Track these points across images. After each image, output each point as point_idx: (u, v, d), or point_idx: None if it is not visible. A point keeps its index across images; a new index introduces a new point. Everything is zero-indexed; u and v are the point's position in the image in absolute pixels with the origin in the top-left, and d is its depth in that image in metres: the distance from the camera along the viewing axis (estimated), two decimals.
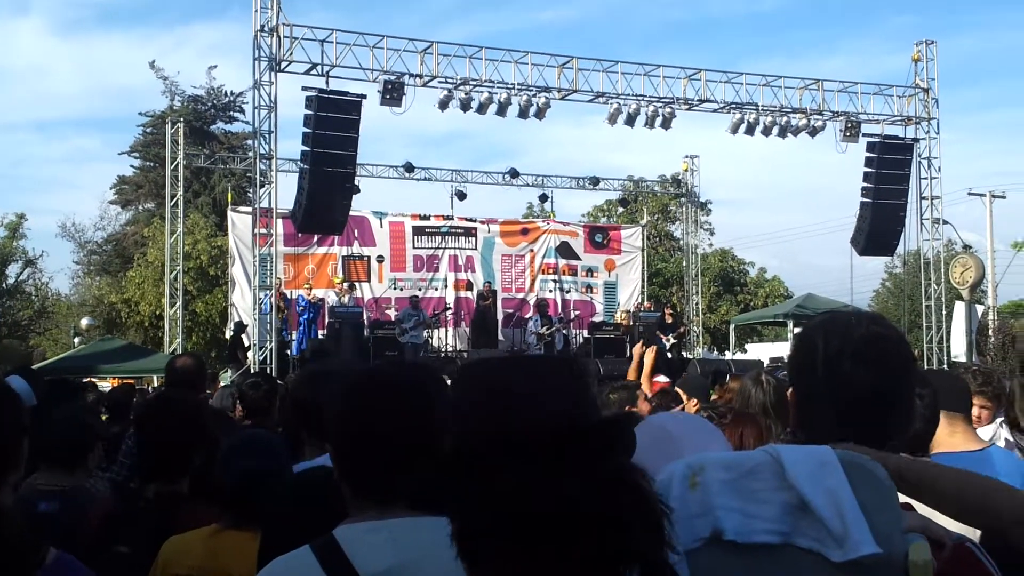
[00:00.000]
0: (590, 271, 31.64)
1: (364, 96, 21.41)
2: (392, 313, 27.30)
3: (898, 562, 1.77)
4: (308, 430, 4.12)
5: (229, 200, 31.28)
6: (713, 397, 9.13)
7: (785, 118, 25.22)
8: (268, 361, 21.04)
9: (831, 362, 2.29)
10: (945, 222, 27.53)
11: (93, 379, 23.58)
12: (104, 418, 9.51)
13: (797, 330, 28.49)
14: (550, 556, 1.43)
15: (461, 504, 1.53)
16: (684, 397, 8.58)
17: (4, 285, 44.25)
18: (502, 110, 23.15)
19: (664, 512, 1.49)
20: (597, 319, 29.51)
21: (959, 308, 26.98)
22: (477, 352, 25.29)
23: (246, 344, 22.73)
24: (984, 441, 4.44)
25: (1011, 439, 5.54)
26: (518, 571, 1.46)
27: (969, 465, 2.97)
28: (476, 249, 29.92)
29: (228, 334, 27.15)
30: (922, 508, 2.06)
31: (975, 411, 5.10)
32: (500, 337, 28.06)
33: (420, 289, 28.57)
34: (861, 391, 2.26)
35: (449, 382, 2.07)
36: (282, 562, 2.24)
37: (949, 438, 4.12)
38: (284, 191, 22.00)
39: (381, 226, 28.77)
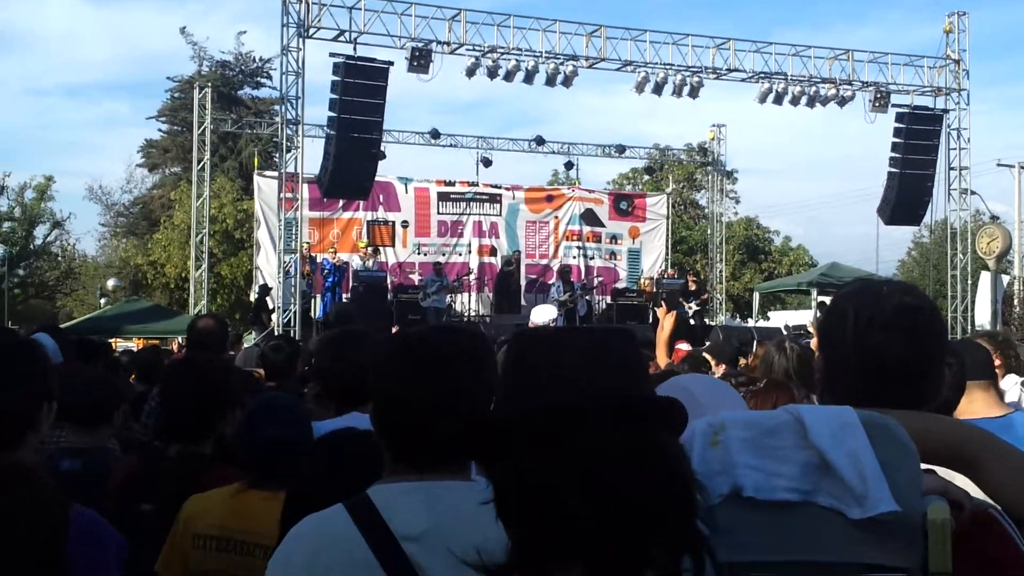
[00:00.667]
0: (614, 238, 31.59)
1: (391, 63, 21.40)
2: (416, 278, 27.38)
3: (917, 521, 1.79)
4: (329, 393, 4.19)
5: (255, 164, 31.35)
6: (742, 363, 9.15)
7: (814, 88, 25.06)
8: (292, 324, 21.17)
9: (862, 331, 2.29)
10: (973, 192, 27.37)
11: (119, 339, 23.85)
12: (132, 378, 9.61)
13: (822, 298, 28.51)
14: (590, 526, 1.47)
15: (500, 469, 1.56)
16: (712, 363, 8.61)
17: (32, 246, 44.50)
18: (529, 78, 23.08)
19: (697, 493, 1.55)
20: (620, 286, 29.49)
21: (985, 278, 26.86)
22: (499, 318, 25.36)
23: (270, 307, 22.86)
24: (1008, 407, 4.45)
25: None
26: (558, 538, 1.49)
27: (993, 430, 3.08)
28: (500, 215, 29.91)
29: (253, 296, 27.29)
30: (944, 471, 2.07)
31: None
32: (523, 303, 28.09)
33: (444, 255, 28.63)
34: (891, 361, 2.26)
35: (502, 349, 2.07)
36: (315, 520, 2.24)
37: (969, 405, 4.13)
38: (310, 156, 22.09)
39: (406, 192, 28.79)
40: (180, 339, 22.37)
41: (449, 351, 2.31)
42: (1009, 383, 5.90)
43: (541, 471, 1.49)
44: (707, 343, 14.08)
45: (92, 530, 2.83)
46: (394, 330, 13.53)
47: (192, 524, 3.63)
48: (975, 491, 2.07)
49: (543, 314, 23.63)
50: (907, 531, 1.78)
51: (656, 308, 22.92)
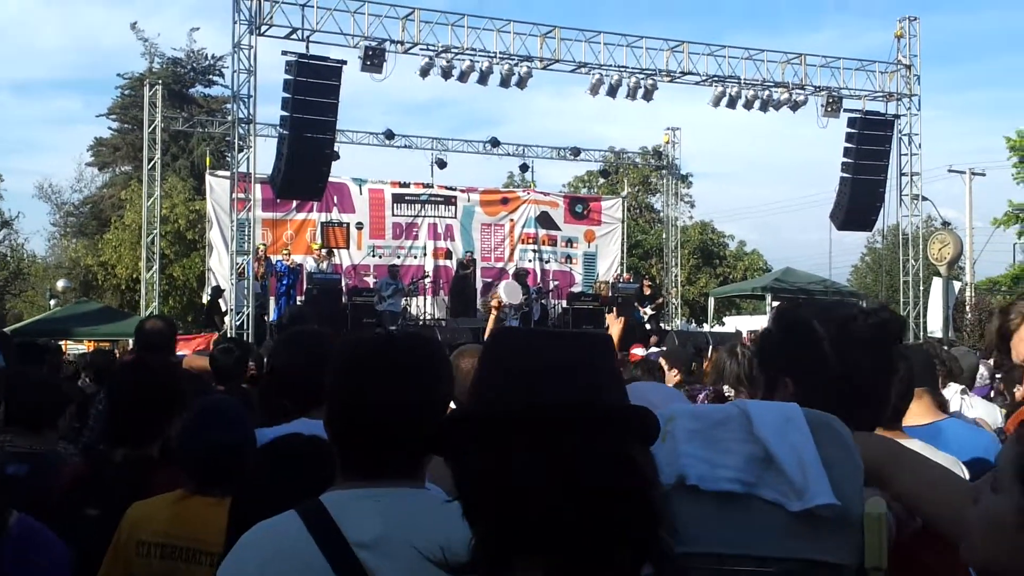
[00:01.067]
0: (570, 241, 31.61)
1: (345, 62, 21.25)
2: (371, 280, 27.23)
3: (855, 518, 1.83)
4: (287, 396, 4.11)
5: (207, 164, 31.08)
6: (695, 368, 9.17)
7: (767, 92, 25.20)
8: (245, 327, 20.97)
9: (840, 351, 2.30)
10: (924, 198, 27.66)
11: (68, 342, 23.54)
12: (88, 380, 9.47)
13: (776, 303, 28.66)
14: (548, 527, 1.48)
15: (465, 467, 1.56)
16: (666, 368, 8.60)
17: None
18: (483, 79, 23.05)
19: (663, 504, 1.56)
20: (576, 290, 29.48)
21: (936, 284, 27.12)
22: (455, 321, 25.26)
23: (223, 309, 22.64)
24: (939, 414, 4.47)
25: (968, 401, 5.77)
26: (522, 537, 1.50)
27: (920, 437, 3.28)
28: (456, 218, 29.84)
29: (205, 299, 27.04)
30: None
31: None
32: (479, 307, 28.03)
33: (399, 257, 28.53)
34: (862, 378, 2.30)
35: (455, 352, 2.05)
36: (267, 526, 2.21)
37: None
38: (263, 156, 21.97)
39: (360, 193, 28.65)
40: (131, 342, 22.12)
41: (404, 357, 2.29)
42: (951, 392, 5.99)
43: (510, 471, 1.49)
44: (663, 348, 14.12)
45: (31, 539, 2.75)
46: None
47: (136, 531, 3.59)
48: None
49: (512, 292, 23.70)
50: (846, 527, 1.82)
51: (607, 314, 23.00)
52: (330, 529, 2.12)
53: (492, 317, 16.12)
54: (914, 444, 3.65)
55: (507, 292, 23.87)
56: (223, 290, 23.27)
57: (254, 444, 3.64)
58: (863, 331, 2.32)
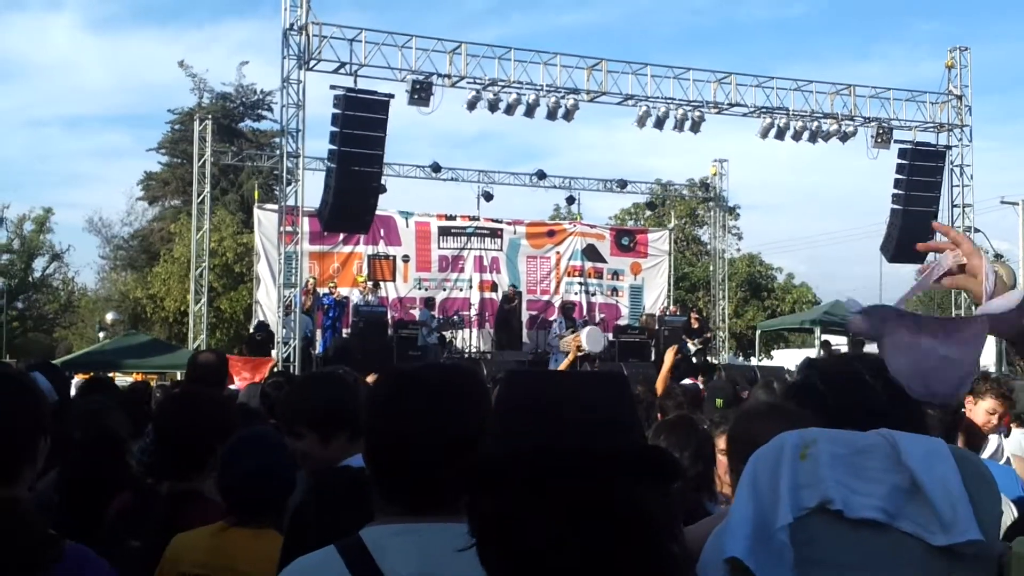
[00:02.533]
0: (616, 274, 31.51)
1: (392, 96, 21.41)
2: (416, 313, 27.27)
3: (994, 556, 1.83)
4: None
5: (256, 197, 31.33)
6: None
7: (816, 123, 25.06)
8: (292, 359, 21.02)
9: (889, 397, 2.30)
10: (977, 230, 27.30)
11: (117, 374, 23.71)
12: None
13: (826, 337, 28.38)
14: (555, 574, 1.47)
15: (482, 511, 1.56)
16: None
17: (31, 279, 44.59)
18: (530, 111, 23.10)
19: (673, 549, 1.53)
20: (622, 322, 29.37)
21: None
22: (501, 354, 25.22)
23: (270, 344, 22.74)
24: None
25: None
26: None
27: None
28: (502, 250, 29.86)
29: (253, 331, 27.21)
30: None
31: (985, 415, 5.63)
32: (524, 339, 27.99)
33: (445, 289, 28.57)
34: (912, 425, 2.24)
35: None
36: (305, 561, 2.20)
37: None
38: (311, 189, 22.07)
39: (407, 226, 28.74)
40: (179, 374, 22.23)
41: (444, 390, 2.26)
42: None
43: (515, 517, 1.49)
44: (708, 382, 14.01)
45: (84, 564, 2.75)
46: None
47: (177, 563, 3.63)
48: None
49: (595, 341, 23.49)
50: (983, 565, 1.80)
51: (655, 350, 22.85)
52: (368, 566, 2.10)
53: (569, 359, 16.06)
54: None
55: (590, 339, 23.55)
56: (267, 325, 23.44)
57: (293, 474, 3.71)
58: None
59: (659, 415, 6.98)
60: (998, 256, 30.84)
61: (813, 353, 29.34)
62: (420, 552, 2.11)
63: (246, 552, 3.53)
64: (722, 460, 4.28)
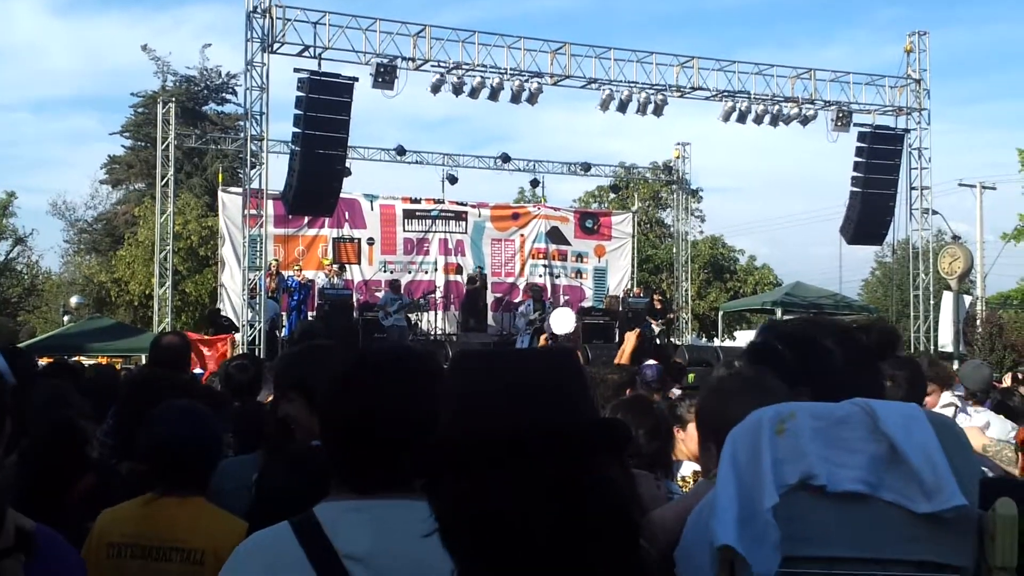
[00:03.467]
0: (580, 256, 31.65)
1: (356, 79, 21.39)
2: (381, 296, 27.31)
3: (974, 517, 1.80)
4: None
5: (220, 181, 31.21)
6: None
7: (777, 107, 25.22)
8: (257, 342, 21.05)
9: (848, 361, 2.37)
10: (935, 212, 27.58)
11: (82, 357, 23.63)
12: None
13: (786, 318, 28.61)
14: (522, 554, 1.47)
15: (441, 495, 1.55)
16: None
17: None
18: (494, 95, 23.12)
19: (638, 520, 1.54)
20: (586, 304, 29.51)
21: (947, 298, 27.07)
22: (466, 336, 25.35)
23: (226, 323, 22.76)
24: None
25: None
26: (496, 565, 1.49)
27: None
28: (466, 233, 29.91)
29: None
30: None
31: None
32: (490, 322, 28.10)
33: (410, 272, 28.59)
34: (871, 389, 2.26)
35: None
36: (259, 537, 2.23)
37: None
38: (275, 172, 22.10)
39: (372, 209, 28.75)
40: (144, 358, 22.21)
41: (400, 370, 2.29)
42: (944, 400, 6.08)
43: (483, 497, 1.48)
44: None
45: (54, 550, 2.79)
46: None
47: (105, 535, 3.67)
48: None
49: (563, 322, 23.60)
50: (965, 529, 1.79)
51: (620, 331, 23.02)
52: (321, 541, 2.11)
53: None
54: None
55: (556, 321, 23.66)
56: (219, 310, 23.52)
57: (216, 444, 3.77)
58: (868, 344, 2.37)
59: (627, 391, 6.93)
60: (956, 238, 31.18)
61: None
62: (374, 529, 2.13)
63: (173, 520, 3.59)
64: (692, 432, 4.39)
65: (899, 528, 1.78)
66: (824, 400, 2.22)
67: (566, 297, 29.82)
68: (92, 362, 24.13)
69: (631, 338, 9.97)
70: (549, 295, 29.54)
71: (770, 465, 1.81)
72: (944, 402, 6.09)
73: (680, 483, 4.92)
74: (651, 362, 12.32)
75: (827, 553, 1.79)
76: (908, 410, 1.88)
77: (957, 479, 1.77)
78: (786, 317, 26.84)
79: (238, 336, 22.01)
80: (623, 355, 9.98)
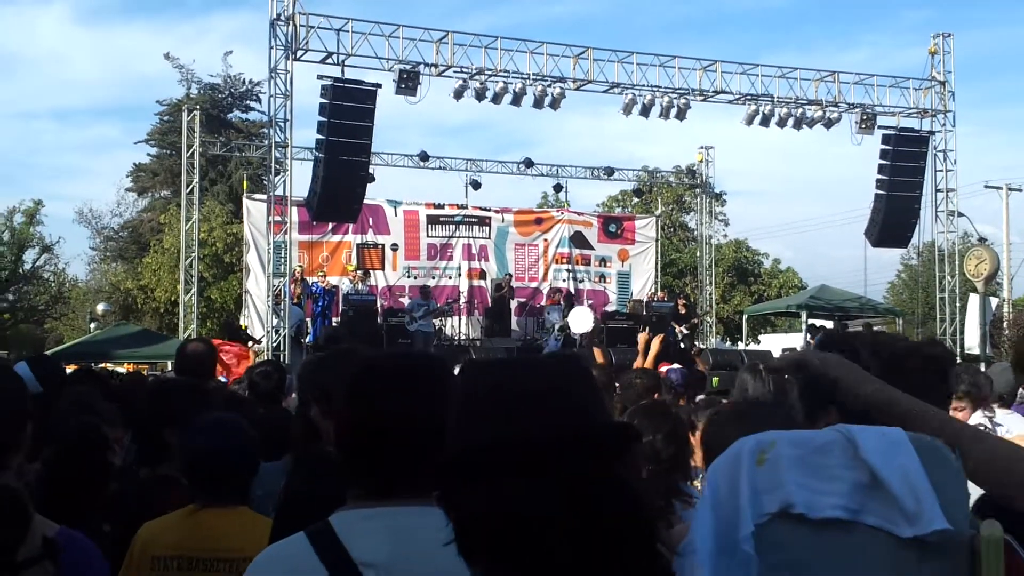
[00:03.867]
0: (603, 261, 31.63)
1: (379, 85, 21.47)
2: (405, 301, 27.37)
3: (964, 541, 1.78)
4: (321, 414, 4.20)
5: (244, 188, 31.35)
6: None
7: (800, 110, 25.16)
8: (282, 348, 21.13)
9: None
10: (960, 214, 27.42)
11: (109, 364, 23.78)
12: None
13: (812, 321, 28.54)
14: (540, 560, 1.48)
15: (457, 504, 1.57)
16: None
17: (21, 270, 44.48)
18: (517, 100, 23.16)
19: (654, 522, 1.57)
20: (610, 308, 29.49)
21: (973, 300, 26.92)
22: (491, 341, 25.34)
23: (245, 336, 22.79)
24: None
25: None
26: (514, 573, 1.50)
27: None
28: (490, 238, 29.94)
29: (242, 321, 27.27)
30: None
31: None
32: (514, 327, 28.11)
33: (434, 278, 28.64)
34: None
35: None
36: (276, 548, 2.24)
37: None
38: (299, 179, 22.15)
39: (396, 215, 28.82)
40: (170, 364, 22.32)
41: (414, 376, 2.30)
42: (976, 418, 6.02)
43: (498, 505, 1.50)
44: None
45: (77, 554, 2.82)
46: None
47: (149, 548, 3.66)
48: None
49: (582, 322, 23.55)
50: (952, 553, 1.78)
51: (640, 333, 22.97)
52: (337, 550, 2.12)
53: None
54: None
55: (574, 320, 23.63)
56: (233, 321, 23.59)
57: (253, 452, 3.77)
58: (915, 364, 2.35)
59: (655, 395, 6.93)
60: (982, 240, 31.01)
61: (800, 337, 29.51)
62: (391, 536, 2.14)
63: (220, 530, 3.59)
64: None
65: (885, 552, 1.76)
66: (855, 420, 2.27)
67: (590, 302, 29.77)
68: (123, 369, 24.33)
69: (655, 343, 9.91)
70: (573, 300, 29.52)
71: (748, 496, 1.79)
72: (974, 421, 6.01)
73: (699, 486, 4.92)
74: (675, 366, 12.31)
75: None
76: (891, 435, 1.86)
77: (943, 503, 1.76)
78: (817, 327, 26.74)
79: (264, 342, 22.09)
80: (647, 360, 9.94)
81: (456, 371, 1.80)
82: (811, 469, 1.82)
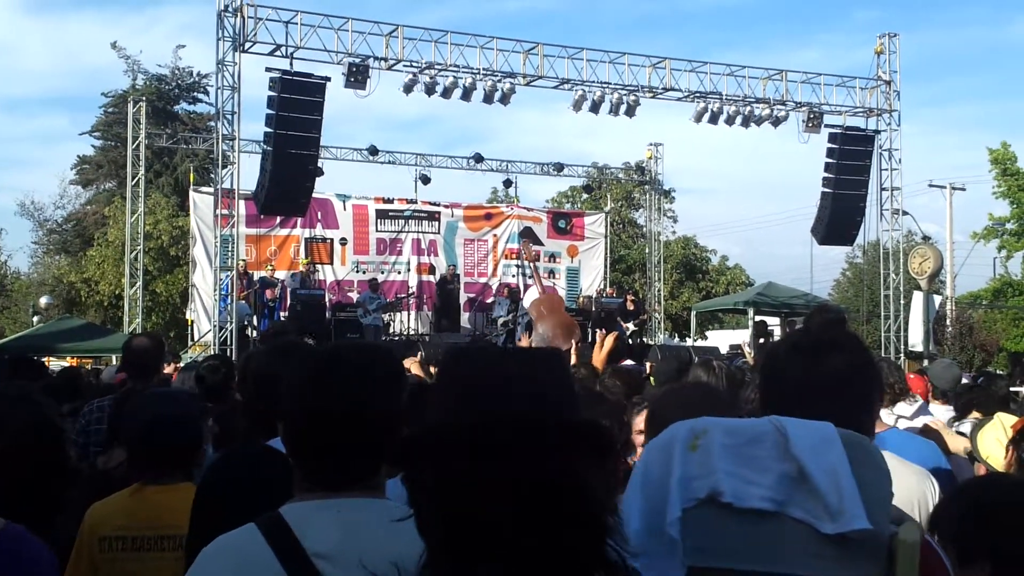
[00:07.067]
0: (553, 257, 31.70)
1: (328, 79, 21.30)
2: (354, 296, 27.26)
3: (883, 541, 1.82)
4: (269, 405, 4.17)
5: (191, 180, 31.08)
6: None
7: (748, 108, 25.29)
8: (229, 342, 20.96)
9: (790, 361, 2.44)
10: (905, 213, 27.74)
11: (51, 358, 23.47)
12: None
13: (759, 318, 28.79)
14: (490, 544, 1.51)
15: (415, 481, 1.59)
16: (654, 383, 8.63)
17: None
18: (467, 95, 23.09)
19: (606, 519, 1.57)
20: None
21: (917, 298, 27.26)
22: (439, 336, 25.30)
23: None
24: (884, 425, 4.54)
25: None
26: (463, 555, 1.53)
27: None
28: (439, 233, 29.91)
29: (189, 316, 27.01)
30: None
31: None
32: (463, 322, 28.09)
33: (383, 272, 28.55)
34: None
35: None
36: (226, 539, 2.22)
37: None
38: (247, 172, 21.92)
39: (344, 209, 28.70)
40: (114, 358, 22.08)
41: (361, 368, 2.30)
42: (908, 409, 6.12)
43: (457, 486, 1.52)
44: (648, 363, 14.16)
45: (18, 549, 2.78)
46: None
47: (96, 529, 3.66)
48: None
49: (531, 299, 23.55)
50: (873, 551, 1.81)
51: (598, 329, 23.04)
52: (289, 540, 2.13)
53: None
54: (886, 455, 3.72)
55: (528, 299, 23.63)
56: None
57: (196, 425, 3.77)
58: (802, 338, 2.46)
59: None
60: (926, 238, 31.43)
61: (747, 333, 29.74)
62: (341, 527, 2.15)
63: (162, 508, 3.58)
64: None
65: (807, 545, 1.80)
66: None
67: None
68: (66, 363, 23.99)
69: (608, 341, 9.93)
70: (522, 295, 29.53)
71: (678, 480, 1.84)
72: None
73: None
74: (629, 362, 12.36)
75: (736, 566, 1.82)
76: (822, 431, 1.90)
77: (866, 502, 1.80)
78: (765, 323, 26.98)
79: (209, 336, 21.91)
80: (602, 359, 9.95)
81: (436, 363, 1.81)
82: (742, 459, 1.86)
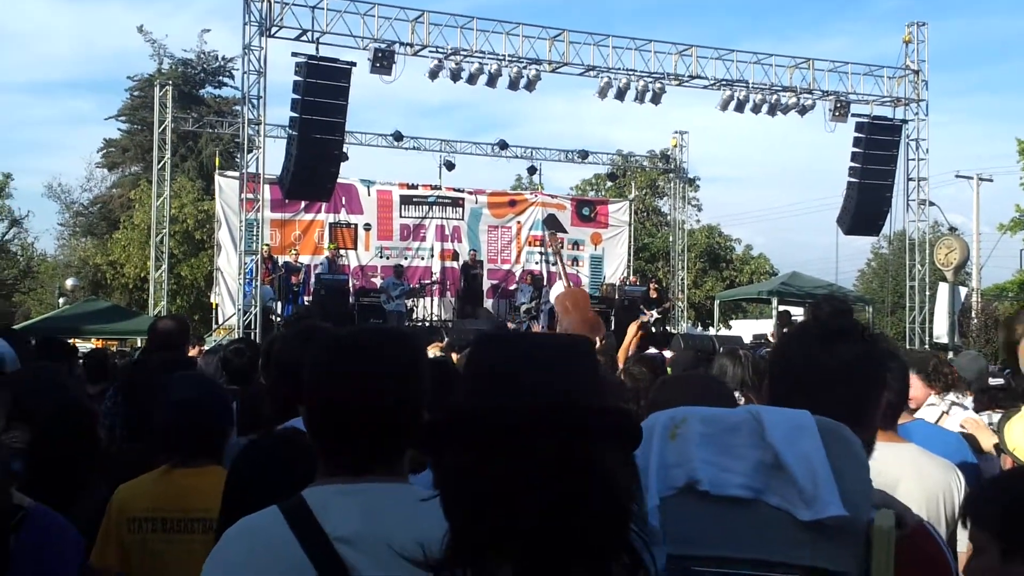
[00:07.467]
0: (576, 244, 31.64)
1: (354, 64, 21.30)
2: (378, 281, 27.30)
3: (861, 527, 1.83)
4: (292, 389, 4.18)
5: (216, 164, 31.16)
6: None
7: (775, 96, 25.18)
8: (253, 326, 21.04)
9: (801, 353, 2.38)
10: (931, 204, 27.59)
11: (77, 340, 23.61)
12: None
13: (783, 307, 28.67)
14: (513, 527, 1.52)
15: (444, 469, 1.61)
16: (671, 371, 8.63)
17: None
18: (492, 81, 23.06)
19: (630, 506, 1.58)
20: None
21: (943, 289, 27.09)
22: (462, 322, 25.33)
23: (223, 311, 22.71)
24: (908, 416, 4.52)
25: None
26: (490, 532, 1.54)
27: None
28: (463, 219, 29.88)
29: (213, 299, 27.10)
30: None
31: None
32: (486, 308, 28.09)
33: (406, 258, 28.57)
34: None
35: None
36: (249, 520, 2.24)
37: None
38: (272, 157, 21.97)
39: (369, 194, 28.71)
40: (140, 340, 22.20)
41: (382, 353, 2.31)
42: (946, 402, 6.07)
43: (484, 470, 1.53)
44: (670, 352, 14.16)
45: (47, 529, 2.80)
46: None
47: (125, 510, 3.68)
48: (914, 505, 2.10)
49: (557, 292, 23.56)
50: (852, 537, 1.83)
51: (615, 319, 23.05)
52: (310, 524, 2.14)
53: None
54: (910, 447, 3.72)
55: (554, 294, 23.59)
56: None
57: (225, 410, 3.81)
58: (811, 326, 2.45)
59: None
60: (952, 229, 31.23)
61: (771, 323, 29.65)
62: (362, 511, 2.16)
63: (191, 491, 3.60)
64: None
65: (785, 532, 1.82)
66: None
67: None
68: (91, 345, 24.16)
69: (632, 330, 9.98)
70: (545, 282, 29.55)
71: (656, 468, 1.86)
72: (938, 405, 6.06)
73: None
74: (653, 351, 12.38)
75: (715, 553, 1.83)
76: (797, 418, 1.92)
77: (842, 489, 1.81)
78: (789, 313, 26.87)
79: (233, 320, 21.99)
80: (624, 348, 9.98)
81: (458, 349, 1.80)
82: (719, 447, 1.89)
